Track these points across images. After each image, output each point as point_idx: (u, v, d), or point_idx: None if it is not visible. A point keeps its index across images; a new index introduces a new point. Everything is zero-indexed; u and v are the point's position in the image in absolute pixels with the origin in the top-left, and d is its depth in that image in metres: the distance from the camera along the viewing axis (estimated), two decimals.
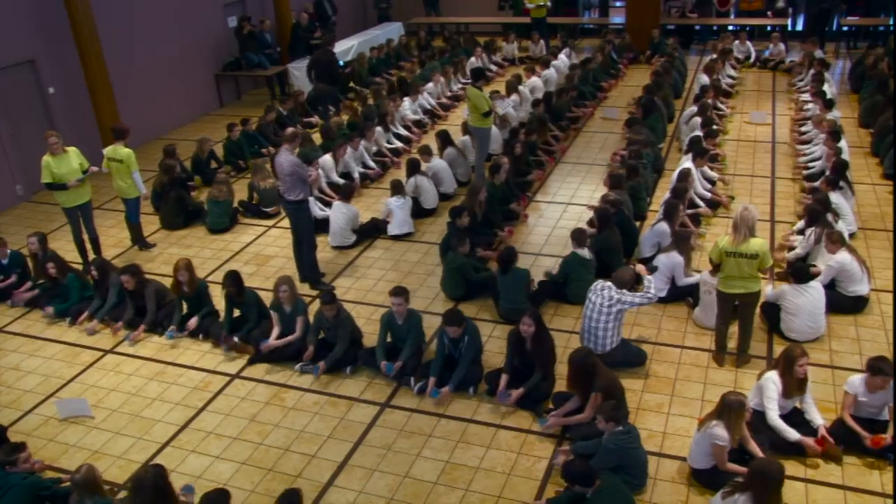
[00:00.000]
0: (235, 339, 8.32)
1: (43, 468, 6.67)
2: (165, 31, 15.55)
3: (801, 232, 9.32)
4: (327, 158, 11.96)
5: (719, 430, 5.87)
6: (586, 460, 5.76)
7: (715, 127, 12.64)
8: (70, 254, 10.18)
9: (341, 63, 17.62)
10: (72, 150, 9.89)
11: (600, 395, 6.44)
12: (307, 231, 9.36)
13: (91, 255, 10.25)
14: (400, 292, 7.61)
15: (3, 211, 12.55)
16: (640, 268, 7.86)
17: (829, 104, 13.01)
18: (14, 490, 5.86)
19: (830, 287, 8.11)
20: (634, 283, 7.71)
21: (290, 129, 9.49)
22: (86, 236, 10.30)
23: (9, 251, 9.85)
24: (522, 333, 7.09)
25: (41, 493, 6.00)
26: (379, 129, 13.38)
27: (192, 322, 8.64)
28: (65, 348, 8.72)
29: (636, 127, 12.48)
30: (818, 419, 6.46)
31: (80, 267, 9.93)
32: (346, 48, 19.07)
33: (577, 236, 8.71)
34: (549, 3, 20.20)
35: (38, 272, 9.70)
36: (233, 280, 8.35)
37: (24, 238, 10.01)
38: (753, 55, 18.16)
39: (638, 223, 10.16)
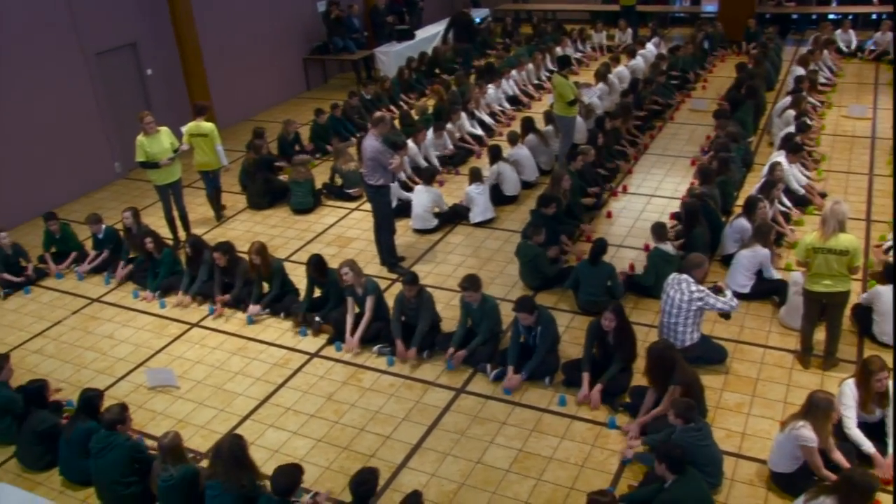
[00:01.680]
0: (317, 318, 8.48)
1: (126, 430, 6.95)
2: (257, 15, 15.92)
3: None
4: (412, 144, 12.06)
5: (806, 432, 5.65)
6: (678, 447, 5.64)
7: (809, 121, 12.18)
8: (160, 230, 10.52)
9: (478, 20, 18.04)
10: (163, 129, 10.23)
11: (679, 389, 6.32)
12: (386, 216, 9.46)
13: (181, 232, 10.62)
14: (467, 286, 7.58)
15: (101, 187, 13.09)
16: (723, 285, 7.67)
17: None
18: (117, 450, 6.15)
19: None
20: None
21: (377, 113, 9.56)
22: (176, 213, 10.64)
23: (104, 227, 10.27)
24: (604, 328, 7.02)
25: (138, 456, 6.26)
26: (463, 114, 13.40)
27: (255, 309, 8.83)
28: (154, 320, 9.06)
29: (725, 120, 12.14)
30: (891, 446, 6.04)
31: (170, 243, 10.28)
32: (432, 34, 19.12)
33: (658, 231, 8.54)
34: None
35: (132, 246, 10.07)
36: (315, 264, 8.49)
37: (120, 214, 10.41)
38: (855, 44, 17.36)
39: (724, 218, 9.88)
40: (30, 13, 11.59)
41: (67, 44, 12.19)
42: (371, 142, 9.01)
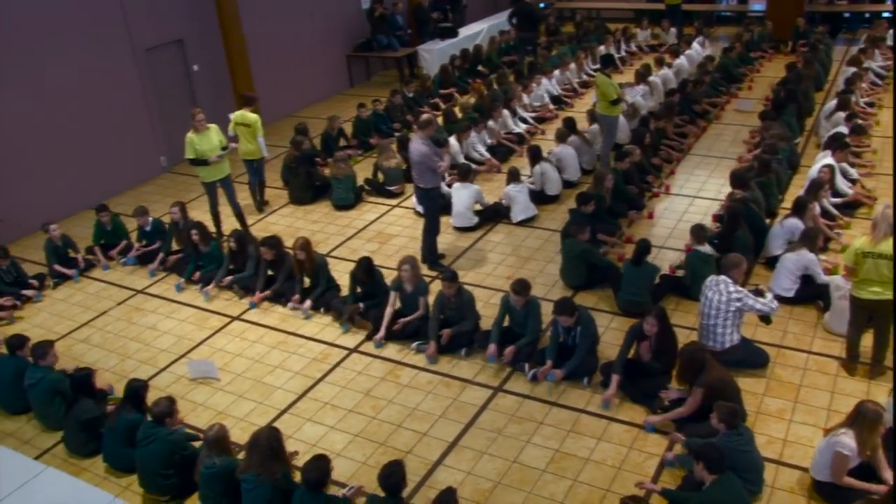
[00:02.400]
0: (360, 304, 8.53)
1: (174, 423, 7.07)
2: (302, 13, 16.06)
3: None
4: (454, 142, 12.06)
5: (846, 439, 5.55)
6: (717, 448, 5.57)
7: (860, 122, 11.92)
8: (214, 227, 10.66)
9: (543, 5, 18.15)
10: (212, 126, 10.32)
11: (701, 392, 6.26)
12: (432, 217, 9.48)
13: (225, 227, 10.76)
14: (519, 290, 7.52)
15: (147, 181, 13.32)
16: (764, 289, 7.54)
17: None
18: (158, 442, 6.26)
19: None
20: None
21: (424, 116, 9.50)
22: (223, 209, 10.72)
23: (150, 219, 10.46)
24: (646, 332, 6.96)
25: (179, 451, 6.35)
26: (505, 112, 13.37)
27: (307, 304, 8.88)
28: (196, 312, 9.20)
29: (770, 121, 11.94)
30: None
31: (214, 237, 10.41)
32: (474, 32, 19.11)
33: (697, 233, 8.43)
34: None
35: (178, 239, 10.23)
36: (365, 267, 8.50)
37: (166, 207, 10.59)
38: None
39: (767, 221, 9.72)
40: (84, 10, 11.84)
41: (118, 40, 12.43)
42: (418, 145, 9.01)
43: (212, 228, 10.57)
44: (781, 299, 8.03)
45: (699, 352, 6.46)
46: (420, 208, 10.94)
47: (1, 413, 7.69)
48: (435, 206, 9.49)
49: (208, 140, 10.18)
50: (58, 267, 10.06)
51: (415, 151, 9.04)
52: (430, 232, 9.58)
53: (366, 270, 8.51)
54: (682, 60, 15.71)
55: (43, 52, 11.36)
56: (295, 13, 15.87)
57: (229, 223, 10.78)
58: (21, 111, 11.20)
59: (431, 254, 9.66)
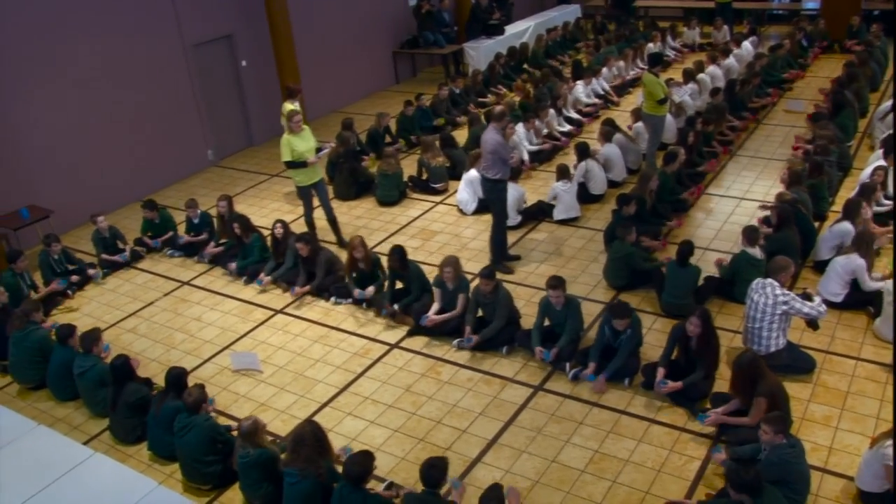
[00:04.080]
0: (395, 307, 8.57)
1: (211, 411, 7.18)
2: (349, 9, 16.16)
3: None
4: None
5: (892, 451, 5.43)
6: (755, 467, 5.46)
7: None
8: (260, 220, 10.75)
9: None
10: (306, 127, 10.06)
11: (765, 401, 6.13)
12: (501, 211, 9.34)
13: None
14: (556, 284, 7.52)
15: (194, 174, 13.53)
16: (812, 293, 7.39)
17: None
18: (197, 430, 6.37)
19: None
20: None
21: (498, 108, 9.35)
22: (317, 215, 10.49)
23: (199, 211, 10.63)
24: (689, 333, 6.88)
25: (217, 436, 6.47)
26: (551, 111, 13.30)
27: (370, 290, 8.86)
28: (240, 305, 9.33)
29: (822, 122, 11.69)
30: None
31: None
32: (521, 29, 19.03)
33: (749, 234, 8.28)
34: None
35: (223, 231, 10.38)
36: (397, 255, 8.55)
37: (213, 200, 10.73)
38: None
39: (817, 224, 9.54)
40: (136, 6, 12.07)
41: (169, 35, 12.65)
42: (492, 135, 8.95)
43: (261, 224, 10.56)
44: (830, 304, 7.87)
45: (754, 360, 6.32)
46: (468, 207, 10.96)
47: (52, 399, 7.89)
48: (502, 201, 9.29)
49: (305, 141, 9.85)
50: (105, 255, 10.28)
51: (489, 141, 8.95)
52: (499, 229, 9.38)
53: (399, 259, 8.53)
54: (731, 60, 15.44)
55: (96, 49, 11.61)
56: (342, 9, 15.99)
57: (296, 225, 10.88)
58: (73, 106, 11.47)
59: (499, 250, 9.45)
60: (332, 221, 10.38)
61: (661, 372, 7.00)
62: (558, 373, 7.56)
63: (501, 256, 9.52)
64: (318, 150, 10.10)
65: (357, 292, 8.90)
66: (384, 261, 9.03)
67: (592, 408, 7.08)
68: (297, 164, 9.76)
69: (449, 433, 6.93)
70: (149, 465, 6.88)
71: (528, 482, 6.30)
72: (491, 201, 9.38)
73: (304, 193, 10.10)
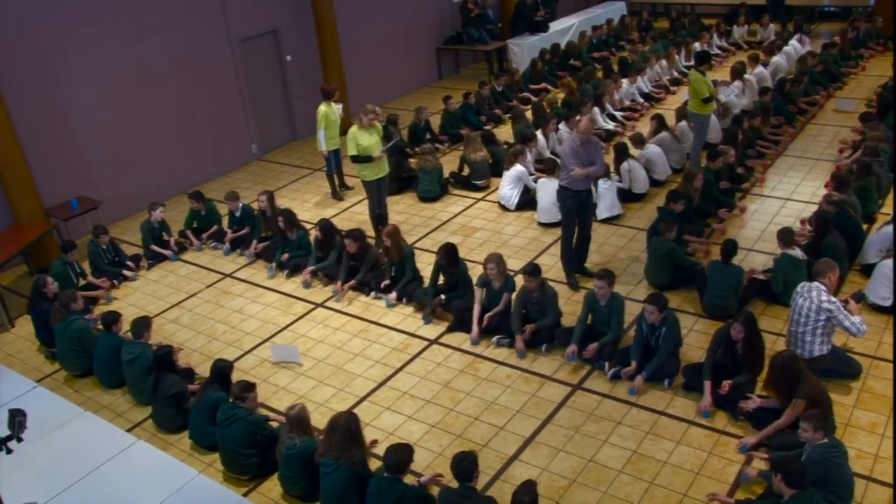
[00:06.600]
0: (441, 296, 8.56)
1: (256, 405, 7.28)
2: (394, 5, 16.23)
3: None
4: (540, 136, 11.99)
5: None
6: (801, 461, 5.37)
7: None
8: (303, 213, 10.85)
9: None
10: (378, 123, 10.09)
11: (803, 403, 6.03)
12: (563, 219, 9.05)
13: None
14: (604, 275, 7.50)
15: (238, 168, 13.70)
16: (854, 306, 7.20)
17: None
18: (239, 423, 6.43)
19: None
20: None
21: (578, 117, 9.06)
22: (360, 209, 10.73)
23: (241, 205, 10.75)
24: (733, 337, 6.79)
25: (259, 431, 6.53)
26: (595, 109, 13.20)
27: (392, 296, 8.94)
28: (281, 298, 9.42)
29: (872, 122, 11.43)
30: None
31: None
32: (566, 26, 18.92)
33: (785, 236, 8.13)
34: None
35: (265, 226, 10.48)
36: (447, 253, 8.51)
37: (255, 194, 10.84)
38: None
39: (865, 226, 9.33)
40: (185, 1, 12.24)
41: (216, 31, 12.81)
42: (565, 138, 8.75)
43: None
44: (877, 308, 7.72)
45: (794, 361, 6.22)
46: (511, 203, 10.92)
47: (98, 387, 8.06)
48: (566, 208, 8.85)
49: (372, 136, 9.89)
50: (154, 247, 10.46)
51: (566, 143, 8.78)
52: (563, 240, 9.07)
53: (449, 257, 8.51)
54: (779, 58, 15.17)
55: (145, 43, 11.79)
56: (387, 5, 16.05)
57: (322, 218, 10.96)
58: (120, 99, 11.66)
59: (568, 265, 9.10)
60: (384, 217, 10.40)
61: (707, 387, 6.84)
62: (597, 372, 7.51)
63: (569, 269, 9.16)
64: (385, 145, 10.04)
65: (385, 285, 9.02)
66: (423, 257, 9.01)
67: (631, 408, 7.02)
68: (363, 159, 9.82)
69: (486, 430, 6.92)
70: (189, 454, 6.98)
71: (564, 481, 6.27)
72: (558, 208, 9.25)
73: (369, 188, 10.16)
